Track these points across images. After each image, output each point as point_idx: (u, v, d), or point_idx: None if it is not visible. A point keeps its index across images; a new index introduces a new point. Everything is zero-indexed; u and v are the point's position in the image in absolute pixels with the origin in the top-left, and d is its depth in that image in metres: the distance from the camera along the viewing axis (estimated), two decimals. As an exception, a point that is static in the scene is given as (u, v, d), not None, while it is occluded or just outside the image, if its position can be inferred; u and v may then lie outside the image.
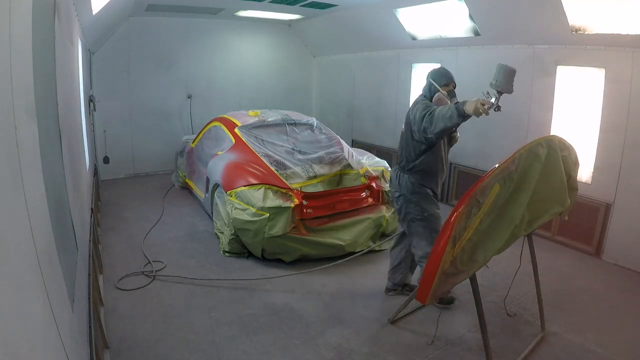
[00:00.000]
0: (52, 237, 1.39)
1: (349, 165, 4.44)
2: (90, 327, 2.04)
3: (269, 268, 3.92)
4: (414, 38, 6.16)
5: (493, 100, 2.57)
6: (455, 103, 2.68)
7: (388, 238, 4.61)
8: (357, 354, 2.75)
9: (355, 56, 7.85)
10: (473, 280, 2.28)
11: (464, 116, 2.56)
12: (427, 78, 3.10)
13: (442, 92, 2.97)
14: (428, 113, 2.78)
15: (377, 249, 4.33)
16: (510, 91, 2.61)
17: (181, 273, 3.77)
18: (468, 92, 5.71)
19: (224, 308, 3.25)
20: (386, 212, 4.51)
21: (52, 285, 1.24)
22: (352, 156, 4.70)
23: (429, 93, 3.06)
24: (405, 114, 3.15)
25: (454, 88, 3.06)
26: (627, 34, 3.77)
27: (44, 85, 1.61)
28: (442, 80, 3.01)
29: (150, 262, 3.93)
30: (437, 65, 3.30)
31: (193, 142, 5.99)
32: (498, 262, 3.59)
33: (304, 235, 3.93)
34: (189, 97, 7.61)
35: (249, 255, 4.12)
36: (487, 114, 2.50)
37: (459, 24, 5.30)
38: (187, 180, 6.13)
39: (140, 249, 4.25)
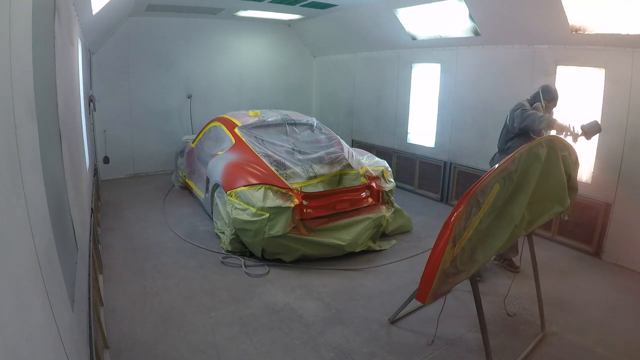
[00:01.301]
0: (52, 237, 1.39)
1: (349, 165, 4.44)
2: (90, 327, 2.04)
3: (270, 268, 3.91)
4: (414, 38, 6.16)
5: (577, 132, 3.40)
6: (550, 115, 3.56)
7: (387, 238, 4.63)
8: (357, 354, 2.75)
9: (355, 56, 7.85)
10: (473, 280, 2.28)
11: (549, 127, 3.42)
12: (539, 88, 3.79)
13: (541, 104, 3.69)
14: (524, 109, 3.59)
15: (376, 248, 4.33)
16: (588, 138, 3.40)
17: (182, 274, 3.78)
18: (468, 92, 5.75)
19: (224, 308, 3.25)
20: (386, 212, 4.51)
21: (52, 285, 1.24)
22: (352, 156, 4.70)
23: (532, 99, 3.77)
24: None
25: (554, 107, 3.79)
26: (627, 34, 3.77)
27: (44, 85, 1.61)
28: (546, 95, 3.70)
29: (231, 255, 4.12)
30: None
31: (193, 142, 5.99)
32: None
33: (304, 235, 3.93)
34: (189, 97, 7.61)
35: (250, 254, 4.12)
36: (564, 136, 3.31)
37: (459, 24, 5.30)
38: (187, 180, 6.13)
39: (141, 249, 4.25)
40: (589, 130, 3.34)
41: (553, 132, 3.46)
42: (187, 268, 3.89)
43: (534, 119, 3.46)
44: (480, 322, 2.30)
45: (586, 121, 3.40)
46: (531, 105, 3.71)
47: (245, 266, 3.90)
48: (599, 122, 3.37)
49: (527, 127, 3.53)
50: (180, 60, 7.45)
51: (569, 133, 3.35)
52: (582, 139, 3.41)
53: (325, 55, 8.75)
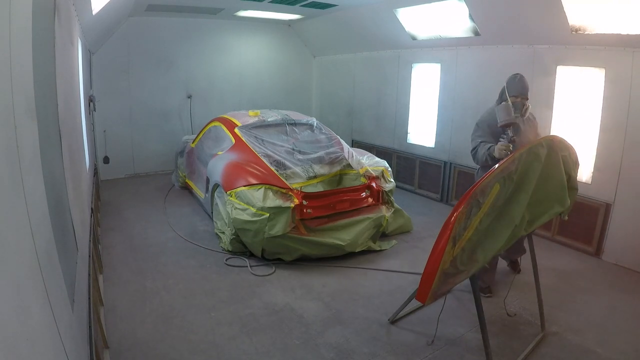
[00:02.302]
0: (52, 237, 1.39)
1: (349, 165, 4.43)
2: (90, 327, 2.04)
3: (270, 267, 3.91)
4: (414, 38, 6.16)
5: (506, 137, 3.11)
6: (488, 148, 3.21)
7: (387, 238, 4.63)
8: (357, 354, 2.75)
9: (355, 56, 7.85)
10: (473, 280, 2.28)
11: (495, 159, 3.10)
12: (506, 81, 3.29)
13: (508, 102, 3.20)
14: (473, 150, 3.35)
15: (376, 249, 4.33)
16: (511, 120, 3.08)
17: (182, 274, 3.78)
18: (468, 92, 5.74)
19: (224, 308, 3.25)
20: (386, 212, 4.51)
21: (52, 285, 1.24)
22: (352, 156, 4.70)
23: (499, 99, 3.32)
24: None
25: (525, 101, 3.26)
26: (627, 34, 3.77)
27: (44, 85, 1.61)
28: (512, 91, 3.23)
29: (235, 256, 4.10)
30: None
31: (193, 142, 5.99)
32: (499, 262, 3.59)
33: (304, 235, 3.92)
34: (189, 97, 7.61)
35: (250, 254, 4.12)
36: (510, 152, 3.00)
37: (459, 24, 5.29)
38: (187, 180, 6.13)
39: (141, 249, 4.25)
40: (502, 119, 3.09)
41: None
42: (187, 268, 3.89)
43: (481, 159, 3.26)
44: (480, 322, 2.30)
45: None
46: (499, 104, 3.33)
47: (251, 266, 3.90)
48: (499, 105, 3.15)
49: (485, 167, 3.28)
50: (180, 61, 7.45)
51: (505, 148, 3.06)
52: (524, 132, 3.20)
53: (325, 55, 8.75)
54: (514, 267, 3.92)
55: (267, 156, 4.39)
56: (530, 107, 3.35)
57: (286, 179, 4.09)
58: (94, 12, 4.13)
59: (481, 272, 3.26)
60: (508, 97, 3.21)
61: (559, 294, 3.52)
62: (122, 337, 2.83)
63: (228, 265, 3.95)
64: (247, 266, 3.92)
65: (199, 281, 3.65)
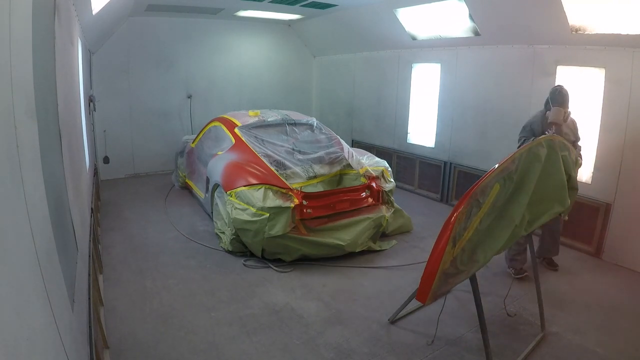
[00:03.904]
0: (52, 237, 1.39)
1: (349, 165, 4.43)
2: (90, 327, 2.04)
3: (289, 266, 3.91)
4: (414, 38, 6.16)
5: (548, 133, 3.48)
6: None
7: (388, 238, 4.63)
8: (357, 354, 2.75)
9: (355, 56, 7.85)
10: (473, 280, 2.28)
11: None
12: (549, 92, 3.72)
13: (560, 108, 3.61)
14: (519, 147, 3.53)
15: (376, 249, 4.33)
16: (557, 121, 3.59)
17: (182, 274, 3.78)
18: (468, 92, 5.74)
19: (224, 308, 3.24)
20: (386, 212, 4.51)
21: (52, 285, 1.24)
22: (352, 156, 4.70)
23: (545, 107, 3.75)
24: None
25: (566, 108, 3.68)
26: (627, 34, 3.77)
27: (44, 85, 1.61)
28: (555, 102, 3.64)
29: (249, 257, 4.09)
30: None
31: (193, 142, 5.99)
32: (498, 261, 3.59)
33: (304, 235, 3.92)
34: (189, 97, 7.61)
35: (251, 254, 4.12)
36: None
37: (459, 24, 5.29)
38: (187, 180, 6.13)
39: (141, 249, 4.25)
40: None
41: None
42: (187, 268, 3.89)
43: None
44: (480, 322, 2.30)
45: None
46: (545, 113, 3.75)
47: (274, 266, 3.90)
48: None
49: None
50: (180, 60, 7.45)
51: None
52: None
53: (325, 55, 8.75)
54: (550, 264, 4.05)
55: (267, 156, 4.39)
56: (570, 112, 3.72)
57: (286, 179, 4.09)
58: (94, 12, 4.13)
59: (515, 254, 3.68)
60: (552, 106, 3.63)
61: (559, 294, 3.52)
62: (122, 337, 2.83)
63: (246, 266, 3.94)
64: (268, 266, 3.91)
65: (199, 281, 3.65)
